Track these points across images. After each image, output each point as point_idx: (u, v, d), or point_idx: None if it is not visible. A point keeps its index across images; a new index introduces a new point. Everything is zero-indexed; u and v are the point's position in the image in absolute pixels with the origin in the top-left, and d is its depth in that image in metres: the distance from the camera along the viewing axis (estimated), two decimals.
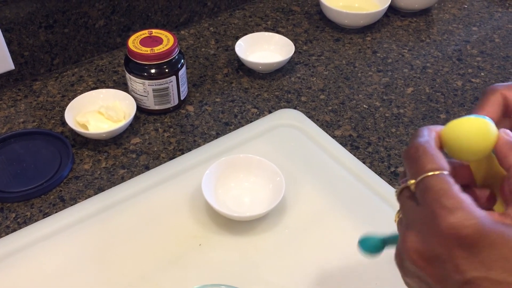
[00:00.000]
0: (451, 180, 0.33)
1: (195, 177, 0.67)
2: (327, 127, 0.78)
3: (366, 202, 0.66)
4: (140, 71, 0.74)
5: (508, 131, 0.35)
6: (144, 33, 0.76)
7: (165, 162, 0.71)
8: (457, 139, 0.35)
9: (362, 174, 0.69)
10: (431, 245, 0.32)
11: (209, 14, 1.01)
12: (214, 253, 0.60)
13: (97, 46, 0.90)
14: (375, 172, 0.70)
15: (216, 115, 0.79)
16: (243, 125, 0.77)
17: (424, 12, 1.06)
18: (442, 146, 0.36)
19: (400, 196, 0.36)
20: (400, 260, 0.36)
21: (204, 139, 0.75)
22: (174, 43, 0.75)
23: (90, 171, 0.70)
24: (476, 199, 0.35)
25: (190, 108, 0.81)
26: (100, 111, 0.74)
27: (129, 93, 0.77)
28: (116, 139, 0.75)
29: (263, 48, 0.91)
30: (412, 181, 0.34)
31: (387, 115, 0.80)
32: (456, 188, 0.32)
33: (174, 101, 0.78)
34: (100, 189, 0.67)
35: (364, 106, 0.82)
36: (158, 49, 0.73)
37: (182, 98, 0.79)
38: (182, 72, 0.77)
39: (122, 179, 0.69)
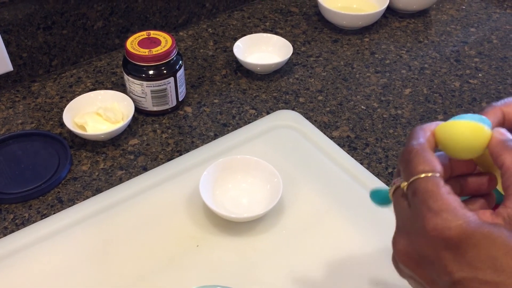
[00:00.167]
0: (440, 182, 0.33)
1: (193, 178, 0.67)
2: (325, 128, 0.78)
3: (364, 203, 0.66)
4: (138, 72, 0.74)
5: (502, 130, 0.35)
6: (142, 34, 0.77)
7: (163, 163, 0.71)
8: (451, 140, 0.35)
9: (359, 175, 0.69)
10: (419, 247, 0.33)
11: (207, 15, 1.02)
12: (211, 254, 0.60)
13: (96, 48, 0.90)
14: (373, 173, 0.70)
15: (214, 116, 0.80)
16: (241, 126, 0.77)
17: (422, 13, 1.06)
18: (437, 144, 0.36)
19: (393, 196, 0.37)
20: (395, 261, 0.37)
21: (202, 140, 0.75)
22: (172, 45, 0.75)
23: (88, 172, 0.70)
24: (478, 185, 0.36)
25: (188, 109, 0.81)
26: (98, 113, 0.74)
27: (127, 95, 0.77)
28: (114, 140, 0.75)
29: (261, 49, 0.91)
30: (405, 183, 0.35)
31: (385, 116, 0.80)
32: (444, 190, 0.32)
33: (172, 102, 0.78)
34: (98, 190, 0.68)
35: (362, 107, 0.82)
36: (156, 50, 0.74)
37: (180, 99, 0.79)
38: (180, 74, 0.77)
39: (120, 180, 0.69)
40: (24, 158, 0.71)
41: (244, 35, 0.93)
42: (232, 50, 0.88)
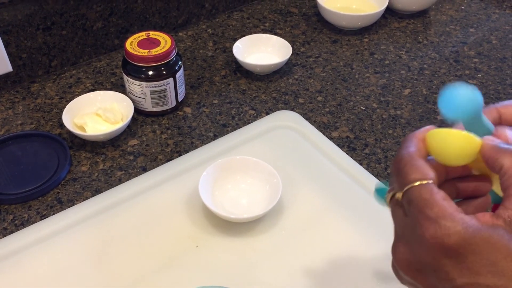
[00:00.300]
0: (434, 189, 0.33)
1: (193, 178, 0.67)
2: (324, 128, 0.78)
3: (363, 203, 0.66)
4: (137, 73, 0.74)
5: (491, 137, 0.35)
6: (142, 35, 0.77)
7: (162, 163, 0.71)
8: (441, 149, 0.35)
9: (359, 175, 0.69)
10: (419, 256, 0.33)
11: (207, 15, 1.02)
12: (211, 254, 0.60)
13: (95, 48, 0.90)
14: (372, 174, 0.70)
15: (214, 116, 0.80)
16: (240, 127, 0.77)
17: (422, 14, 1.06)
18: (428, 151, 0.36)
19: (390, 203, 0.37)
20: (395, 269, 0.36)
21: (201, 140, 0.75)
22: (172, 45, 0.75)
23: (87, 173, 0.70)
24: (474, 187, 0.36)
25: (188, 109, 0.81)
26: (97, 113, 0.74)
27: (126, 95, 0.77)
28: (114, 141, 0.75)
29: (261, 50, 0.91)
30: (400, 193, 0.35)
31: (384, 116, 0.80)
32: (439, 196, 0.32)
33: (172, 103, 0.78)
34: (98, 191, 0.68)
35: (361, 107, 0.82)
36: (156, 51, 0.74)
37: (179, 99, 0.80)
38: (180, 74, 0.77)
39: (120, 181, 0.69)
40: (24, 159, 0.71)
41: (244, 35, 0.93)
42: (231, 51, 0.89)
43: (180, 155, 0.73)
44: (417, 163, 0.34)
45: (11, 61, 0.81)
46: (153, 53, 0.73)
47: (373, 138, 0.76)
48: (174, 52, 0.76)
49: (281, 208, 0.65)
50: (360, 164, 0.71)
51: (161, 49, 0.74)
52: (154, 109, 0.78)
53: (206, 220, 0.63)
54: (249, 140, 0.75)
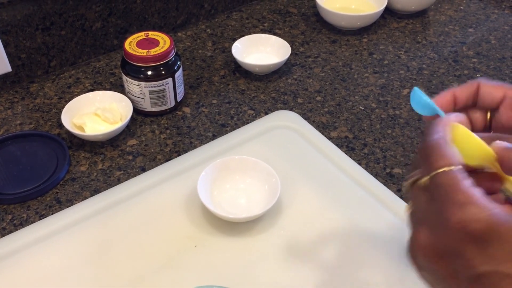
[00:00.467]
0: (462, 175, 0.33)
1: (191, 178, 0.67)
2: (323, 128, 0.78)
3: (362, 203, 0.66)
4: (136, 73, 0.74)
5: (498, 142, 0.36)
6: (141, 35, 0.77)
7: (161, 163, 0.71)
8: (458, 144, 0.36)
9: (357, 175, 0.69)
10: (442, 240, 0.33)
11: (206, 16, 1.02)
12: (209, 254, 0.60)
13: (94, 48, 0.90)
14: (371, 174, 0.70)
15: (213, 116, 0.80)
16: (239, 127, 0.78)
17: (421, 14, 1.06)
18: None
19: (411, 190, 0.37)
20: (413, 256, 0.36)
21: (200, 140, 0.75)
22: (171, 45, 0.75)
23: (86, 173, 0.70)
24: (491, 182, 0.36)
25: (187, 109, 0.81)
26: (96, 113, 0.74)
27: (125, 95, 0.77)
28: (113, 141, 0.75)
29: (260, 50, 0.91)
30: (425, 178, 0.35)
31: (383, 116, 0.80)
32: (467, 182, 0.32)
33: (171, 103, 0.78)
34: (97, 191, 0.68)
35: (360, 107, 0.82)
36: (155, 51, 0.74)
37: (178, 100, 0.80)
38: (179, 74, 0.77)
39: (119, 181, 0.69)
40: (23, 159, 0.71)
41: (243, 35, 0.93)
42: (230, 51, 0.89)
43: (179, 155, 0.73)
44: (446, 149, 0.35)
45: (10, 61, 0.81)
46: (152, 53, 0.73)
47: (372, 138, 0.76)
48: (173, 52, 0.76)
49: (279, 208, 0.65)
50: (359, 164, 0.71)
51: (160, 49, 0.74)
52: (153, 109, 0.78)
53: (205, 220, 0.63)
54: (248, 140, 0.75)
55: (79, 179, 0.69)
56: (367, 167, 0.71)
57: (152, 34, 0.77)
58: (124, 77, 0.76)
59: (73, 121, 0.74)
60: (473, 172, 0.37)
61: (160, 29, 0.96)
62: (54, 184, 0.68)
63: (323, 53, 0.94)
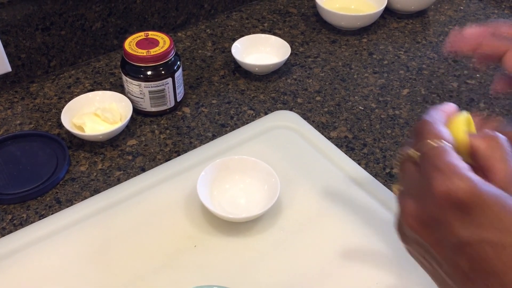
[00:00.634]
0: (450, 149, 0.34)
1: (191, 178, 0.67)
2: (322, 128, 0.78)
3: (361, 203, 0.66)
4: (136, 73, 0.74)
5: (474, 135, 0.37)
6: (141, 35, 0.77)
7: (161, 163, 0.71)
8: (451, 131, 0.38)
9: (357, 175, 0.69)
10: (427, 209, 0.34)
11: (206, 16, 1.02)
12: (209, 254, 0.60)
13: (94, 48, 0.90)
14: (371, 174, 0.70)
15: (212, 116, 0.80)
16: (239, 127, 0.78)
17: (420, 14, 1.06)
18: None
19: (402, 166, 0.38)
20: (399, 227, 0.37)
21: (200, 140, 0.75)
22: (170, 45, 0.75)
23: (86, 173, 0.70)
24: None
25: (187, 109, 0.81)
26: (96, 113, 0.74)
27: (125, 95, 0.77)
28: (113, 141, 0.75)
29: (260, 50, 0.91)
30: (417, 153, 0.36)
31: (382, 116, 0.80)
32: (454, 155, 0.34)
33: (171, 103, 0.78)
34: (96, 191, 0.68)
35: (360, 107, 0.82)
36: (154, 51, 0.74)
37: (178, 100, 0.80)
38: (178, 74, 0.77)
39: (118, 181, 0.69)
40: (22, 159, 0.71)
41: (243, 35, 0.93)
42: (230, 51, 0.89)
43: (178, 155, 0.73)
44: (439, 126, 0.36)
45: (10, 61, 0.81)
46: (152, 53, 0.73)
47: (371, 138, 0.76)
48: (172, 52, 0.76)
49: (279, 208, 0.65)
50: (359, 164, 0.71)
51: (159, 49, 0.74)
52: (153, 109, 0.78)
53: (204, 220, 0.63)
54: (248, 140, 0.75)
55: (79, 179, 0.69)
56: (366, 167, 0.71)
57: (152, 34, 0.77)
58: (124, 77, 0.76)
59: (73, 121, 0.74)
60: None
61: (160, 29, 0.96)
62: (54, 184, 0.68)
63: (323, 53, 0.94)
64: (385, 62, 0.92)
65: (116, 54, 0.92)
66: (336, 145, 0.74)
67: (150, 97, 0.76)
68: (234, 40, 0.93)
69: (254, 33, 0.98)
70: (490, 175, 0.34)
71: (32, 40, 0.82)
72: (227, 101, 0.83)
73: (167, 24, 0.97)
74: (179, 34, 0.98)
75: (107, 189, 0.68)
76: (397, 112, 0.81)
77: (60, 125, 0.77)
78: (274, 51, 0.90)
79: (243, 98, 0.83)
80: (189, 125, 0.78)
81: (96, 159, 0.72)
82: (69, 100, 0.76)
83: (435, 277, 0.36)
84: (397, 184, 0.39)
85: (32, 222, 0.64)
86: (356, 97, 0.84)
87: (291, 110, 0.81)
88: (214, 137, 0.76)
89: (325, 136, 0.76)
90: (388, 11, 1.05)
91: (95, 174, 0.70)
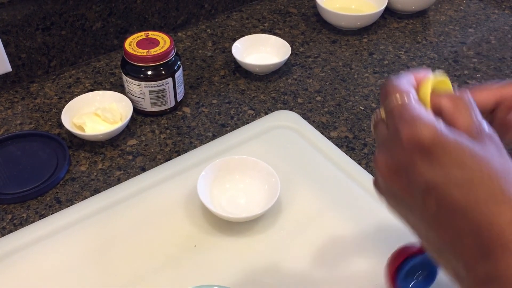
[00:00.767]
0: (413, 99, 0.36)
1: (191, 178, 0.67)
2: (323, 128, 0.78)
3: (362, 203, 0.66)
4: (136, 73, 0.74)
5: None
6: (141, 35, 0.77)
7: (161, 163, 0.71)
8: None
9: (357, 175, 0.69)
10: (396, 157, 0.35)
11: (206, 16, 1.02)
12: (209, 254, 0.60)
13: (94, 48, 0.90)
14: (371, 173, 0.70)
15: (213, 116, 0.80)
16: (239, 127, 0.78)
17: (421, 14, 1.06)
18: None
19: (374, 128, 0.40)
20: (375, 181, 0.39)
21: (200, 140, 0.75)
22: (171, 45, 0.75)
23: (86, 173, 0.70)
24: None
25: (187, 109, 0.81)
26: (96, 113, 0.74)
27: (125, 95, 0.77)
28: (113, 141, 0.75)
29: (260, 50, 0.91)
30: (383, 109, 0.38)
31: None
32: (417, 104, 0.36)
33: (171, 103, 0.79)
34: (97, 191, 0.68)
35: (360, 107, 0.82)
36: (155, 51, 0.74)
37: (178, 99, 0.80)
38: (179, 74, 0.77)
39: (119, 181, 0.69)
40: (23, 159, 0.71)
41: (243, 35, 0.93)
42: (230, 51, 0.89)
43: (179, 155, 0.73)
44: (404, 83, 0.38)
45: (10, 61, 0.81)
46: (152, 53, 0.73)
47: (371, 138, 0.76)
48: (173, 52, 0.76)
49: (279, 208, 0.65)
50: (359, 163, 0.71)
51: (160, 49, 0.74)
52: (153, 109, 0.78)
53: (204, 220, 0.63)
54: (248, 140, 0.75)
55: (79, 179, 0.69)
56: (367, 167, 0.71)
57: (152, 34, 0.77)
58: (124, 77, 0.76)
59: (73, 121, 0.74)
60: None
61: (160, 29, 0.96)
62: (54, 184, 0.68)
63: (323, 53, 0.94)
64: (386, 62, 0.92)
65: (116, 54, 0.92)
66: (337, 145, 0.74)
67: (151, 97, 0.76)
68: (234, 40, 0.93)
69: (254, 33, 0.98)
70: (454, 128, 0.35)
71: (33, 40, 0.82)
72: (228, 101, 0.83)
73: (167, 24, 0.97)
74: (180, 34, 0.98)
75: (107, 189, 0.68)
76: None
77: (61, 125, 0.77)
78: (274, 51, 0.90)
79: (243, 98, 0.83)
80: (189, 125, 0.78)
81: (96, 159, 0.72)
82: (70, 100, 0.76)
83: (412, 226, 0.37)
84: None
85: (32, 222, 0.64)
86: (356, 97, 0.84)
87: (291, 110, 0.81)
88: (214, 137, 0.76)
89: (325, 136, 0.76)
90: (389, 11, 1.05)
91: (95, 174, 0.70)
